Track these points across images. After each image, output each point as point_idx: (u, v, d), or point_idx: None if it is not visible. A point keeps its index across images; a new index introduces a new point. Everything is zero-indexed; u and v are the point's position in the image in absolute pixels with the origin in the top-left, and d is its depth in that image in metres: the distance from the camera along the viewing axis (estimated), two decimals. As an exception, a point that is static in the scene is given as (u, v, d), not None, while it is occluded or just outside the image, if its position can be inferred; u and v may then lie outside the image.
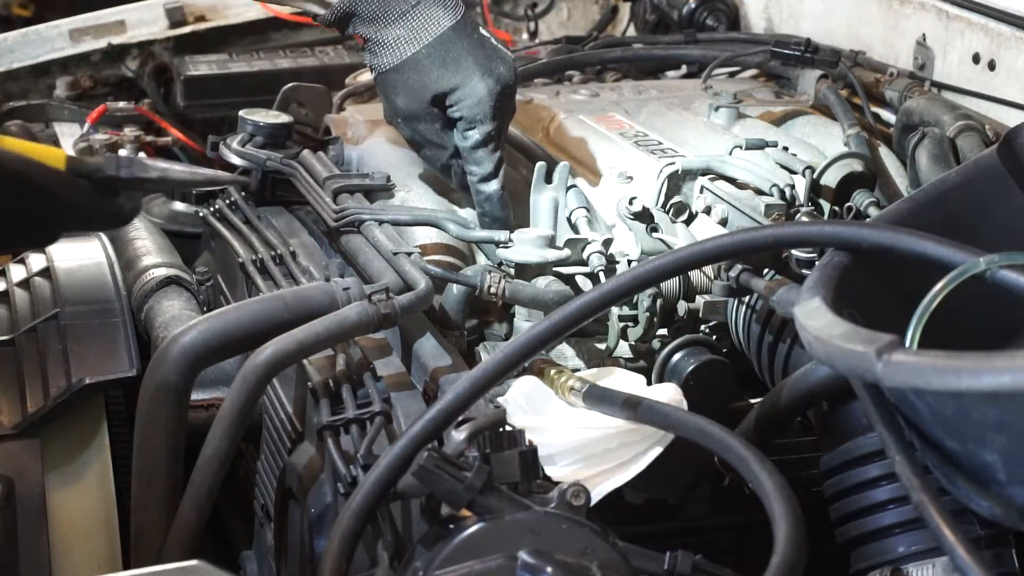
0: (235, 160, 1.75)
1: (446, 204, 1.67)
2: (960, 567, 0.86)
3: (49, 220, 1.16)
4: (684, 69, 2.39)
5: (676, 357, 1.41)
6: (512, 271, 1.48)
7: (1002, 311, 1.06)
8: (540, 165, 1.59)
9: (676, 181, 1.58)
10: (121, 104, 2.50)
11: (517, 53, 2.48)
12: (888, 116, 2.04)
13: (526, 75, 2.14)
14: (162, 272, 1.66)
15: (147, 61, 2.66)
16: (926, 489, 0.90)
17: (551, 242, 1.49)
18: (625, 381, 1.26)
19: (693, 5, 2.55)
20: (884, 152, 1.87)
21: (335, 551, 1.01)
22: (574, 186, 1.60)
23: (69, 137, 2.43)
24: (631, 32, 2.81)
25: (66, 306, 1.50)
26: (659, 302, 1.42)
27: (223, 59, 2.57)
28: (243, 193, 1.79)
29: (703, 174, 1.58)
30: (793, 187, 1.57)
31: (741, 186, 1.58)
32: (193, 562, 0.92)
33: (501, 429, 1.02)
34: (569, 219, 1.57)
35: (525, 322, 1.46)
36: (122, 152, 2.31)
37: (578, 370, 1.35)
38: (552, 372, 1.26)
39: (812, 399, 1.17)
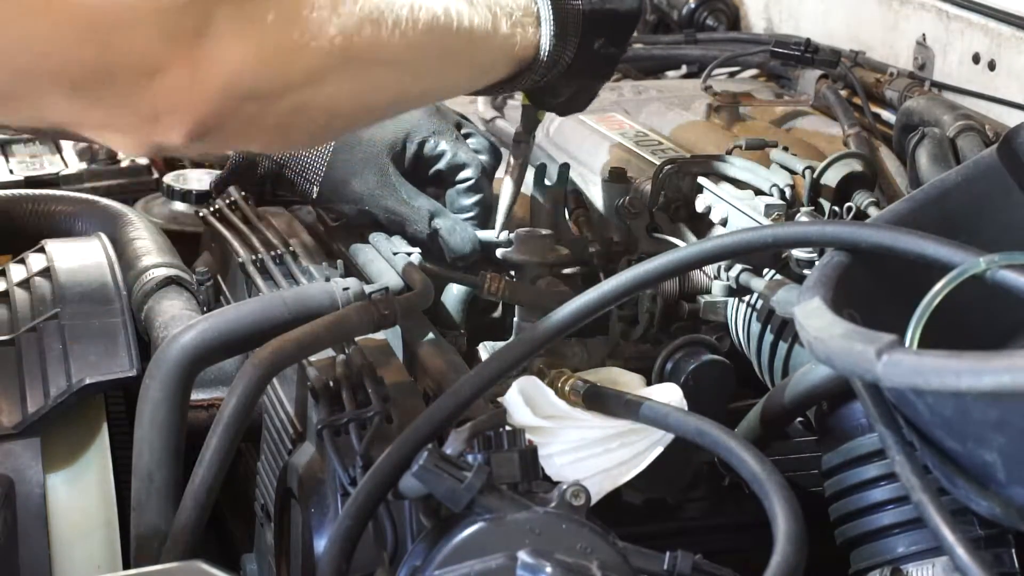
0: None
1: (446, 204, 1.67)
2: (960, 567, 0.86)
3: None
4: (684, 69, 2.39)
5: (676, 357, 1.41)
6: (512, 271, 1.48)
7: (1002, 311, 1.06)
8: (540, 165, 1.59)
9: (676, 181, 1.58)
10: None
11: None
12: (888, 116, 2.04)
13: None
14: (162, 272, 1.65)
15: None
16: (926, 489, 0.90)
17: (551, 242, 1.49)
18: (625, 381, 1.26)
19: (693, 5, 2.56)
20: (884, 152, 1.87)
21: (335, 551, 1.01)
22: (574, 186, 1.60)
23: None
24: (631, 32, 2.81)
25: (66, 306, 1.50)
26: (659, 302, 1.42)
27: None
28: (243, 193, 1.79)
29: (703, 174, 1.58)
30: (793, 187, 1.57)
31: (741, 186, 1.58)
32: (193, 562, 0.92)
33: (501, 429, 1.02)
34: (569, 219, 1.57)
35: (525, 322, 1.46)
36: None
37: (578, 370, 1.35)
38: (552, 372, 1.26)
39: (812, 399, 1.17)
